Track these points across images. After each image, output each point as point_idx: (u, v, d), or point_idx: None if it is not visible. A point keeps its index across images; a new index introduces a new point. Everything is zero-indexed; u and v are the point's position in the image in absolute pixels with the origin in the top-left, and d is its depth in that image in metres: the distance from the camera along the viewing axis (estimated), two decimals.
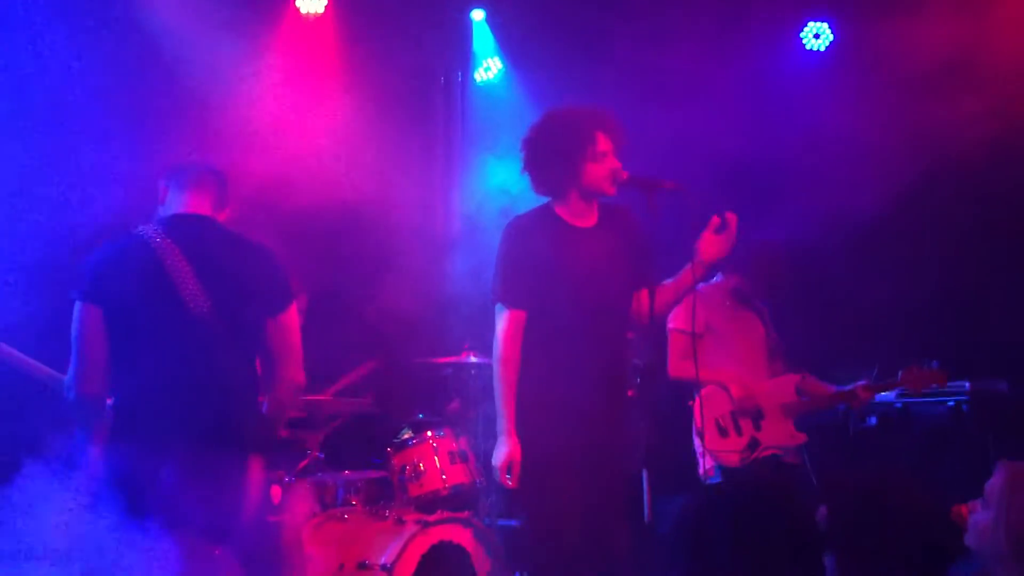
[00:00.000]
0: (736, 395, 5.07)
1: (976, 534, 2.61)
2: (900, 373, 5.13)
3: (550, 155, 3.98)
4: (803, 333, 5.53)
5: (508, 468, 3.85)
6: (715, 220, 3.95)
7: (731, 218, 3.93)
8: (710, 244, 3.94)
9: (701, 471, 4.96)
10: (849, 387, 5.18)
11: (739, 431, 5.06)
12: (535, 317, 3.97)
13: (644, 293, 4.02)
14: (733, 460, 5.00)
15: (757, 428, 5.06)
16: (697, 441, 5.06)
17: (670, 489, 5.14)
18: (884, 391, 5.36)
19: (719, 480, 5.01)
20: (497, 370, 3.96)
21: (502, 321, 3.98)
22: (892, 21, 6.00)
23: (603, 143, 3.96)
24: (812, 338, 5.65)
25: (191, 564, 3.12)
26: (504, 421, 3.91)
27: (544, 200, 4.11)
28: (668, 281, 4.06)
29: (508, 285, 3.99)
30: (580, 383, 3.89)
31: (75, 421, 3.48)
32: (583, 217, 4.06)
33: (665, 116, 6.12)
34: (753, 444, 5.03)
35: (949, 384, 5.41)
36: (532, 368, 3.95)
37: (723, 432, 5.06)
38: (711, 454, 5.01)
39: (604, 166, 3.96)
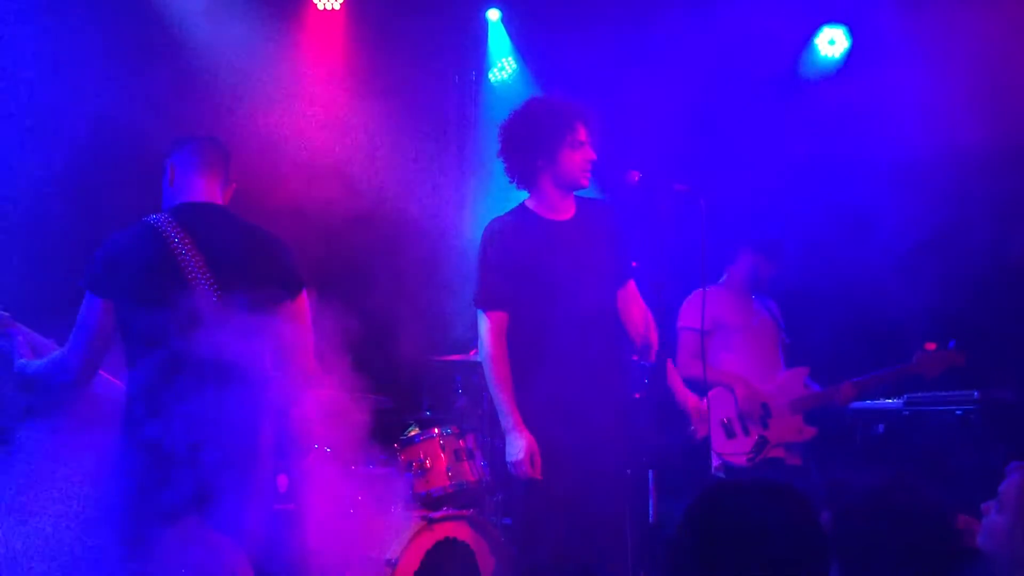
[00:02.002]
0: (741, 396, 5.05)
1: (990, 536, 2.56)
2: (915, 356, 5.07)
3: (528, 138, 4.00)
4: (817, 331, 5.52)
5: (531, 459, 3.84)
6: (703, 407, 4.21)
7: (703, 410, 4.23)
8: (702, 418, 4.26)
9: (712, 471, 4.97)
10: (840, 384, 5.14)
11: (747, 432, 5.05)
12: (519, 316, 3.98)
13: (636, 312, 4.01)
14: (740, 461, 4.99)
15: (765, 427, 5.05)
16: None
17: (678, 491, 5.13)
18: (896, 378, 5.26)
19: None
20: (489, 370, 3.98)
21: (483, 324, 4.02)
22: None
23: (582, 133, 3.98)
24: (824, 336, 5.63)
25: (197, 552, 3.13)
26: (509, 417, 3.91)
27: (520, 201, 4.12)
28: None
29: (486, 288, 4.03)
30: (569, 378, 3.89)
31: (49, 403, 3.49)
32: (558, 211, 4.07)
33: (679, 116, 6.13)
34: (761, 444, 5.01)
35: (957, 393, 5.39)
36: (520, 367, 3.96)
37: (730, 434, 5.05)
38: (718, 456, 5.00)
39: (580, 155, 3.98)
